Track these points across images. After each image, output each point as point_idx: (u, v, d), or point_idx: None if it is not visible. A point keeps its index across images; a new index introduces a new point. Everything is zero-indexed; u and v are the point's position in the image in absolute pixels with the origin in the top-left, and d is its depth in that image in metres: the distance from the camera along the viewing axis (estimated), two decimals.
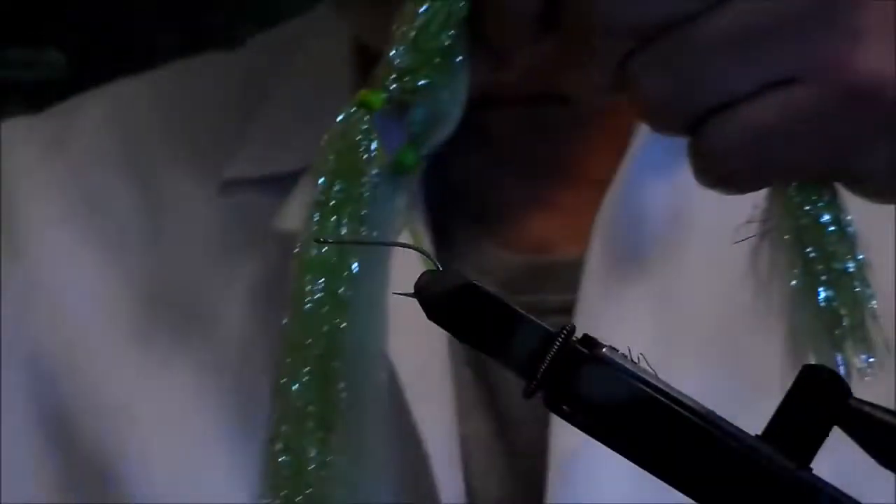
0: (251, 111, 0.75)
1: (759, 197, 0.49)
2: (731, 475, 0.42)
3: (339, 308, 0.46)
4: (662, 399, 0.42)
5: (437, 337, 0.66)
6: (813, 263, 0.47)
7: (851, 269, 0.47)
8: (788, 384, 0.43)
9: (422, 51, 0.47)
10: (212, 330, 0.71)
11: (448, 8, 0.47)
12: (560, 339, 0.42)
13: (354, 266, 0.46)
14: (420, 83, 0.47)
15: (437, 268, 0.45)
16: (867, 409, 0.42)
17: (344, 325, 0.46)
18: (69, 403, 0.71)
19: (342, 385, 0.45)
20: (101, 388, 0.71)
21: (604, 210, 0.68)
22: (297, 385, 0.45)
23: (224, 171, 0.73)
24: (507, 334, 0.43)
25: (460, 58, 0.47)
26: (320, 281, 0.46)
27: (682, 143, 0.70)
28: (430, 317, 0.44)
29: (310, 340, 0.46)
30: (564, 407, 0.42)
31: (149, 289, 0.72)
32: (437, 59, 0.47)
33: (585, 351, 0.42)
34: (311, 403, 0.45)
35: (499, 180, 0.70)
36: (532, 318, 0.43)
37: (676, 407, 0.42)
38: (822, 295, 0.47)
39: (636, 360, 0.43)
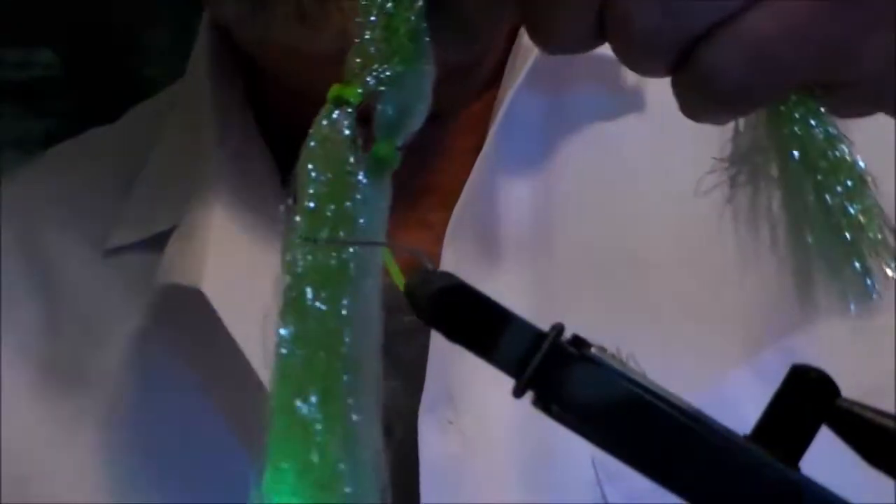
0: (132, 180, 0.79)
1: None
2: (719, 475, 0.42)
3: (343, 320, 0.45)
4: (651, 399, 0.42)
5: None
6: (826, 176, 0.47)
7: (864, 176, 0.47)
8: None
9: (392, 38, 0.46)
10: (96, 385, 0.75)
11: None
12: (549, 339, 0.42)
13: (352, 272, 0.45)
14: (395, 71, 0.46)
15: (429, 268, 0.45)
16: (855, 408, 0.43)
17: (348, 338, 0.45)
18: None
19: (349, 400, 0.44)
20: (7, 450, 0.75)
21: (452, 224, 0.70)
22: (302, 402, 0.44)
23: (108, 241, 0.77)
24: (496, 334, 0.43)
25: (427, 40, 0.46)
26: (322, 293, 0.45)
27: (537, 138, 0.71)
28: (420, 317, 0.44)
29: (315, 355, 0.45)
30: (553, 407, 0.42)
31: (42, 357, 0.77)
32: (408, 45, 0.46)
33: (574, 351, 0.42)
34: (318, 421, 0.44)
35: None
36: (522, 318, 0.43)
37: (665, 407, 0.42)
38: (840, 204, 0.46)
39: (625, 360, 0.43)
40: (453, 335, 0.43)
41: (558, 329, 0.43)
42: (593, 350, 0.43)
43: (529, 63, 0.70)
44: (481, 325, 0.43)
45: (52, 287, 0.78)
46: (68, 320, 0.77)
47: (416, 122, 0.48)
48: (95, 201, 0.79)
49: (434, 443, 0.67)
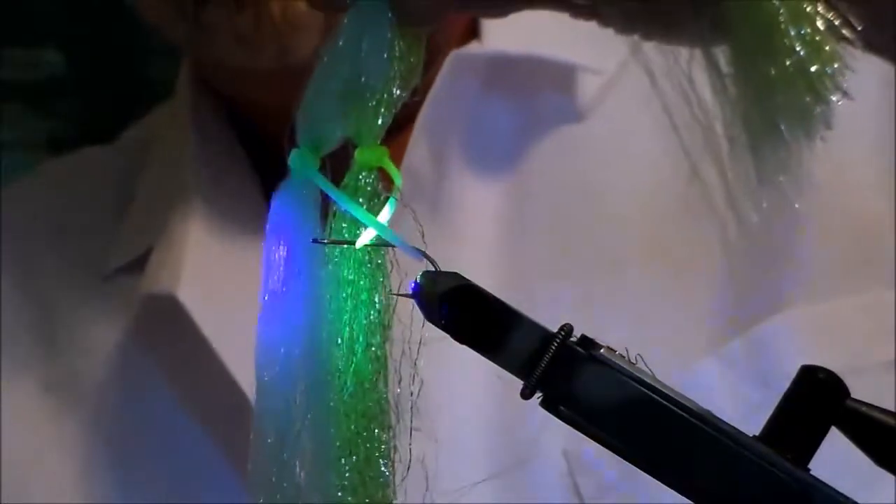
0: (126, 202, 0.81)
1: None
2: (728, 476, 0.42)
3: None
4: (660, 399, 0.42)
5: None
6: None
7: None
8: None
9: None
10: (88, 399, 0.77)
11: None
12: (558, 340, 0.42)
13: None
14: None
15: (436, 269, 0.45)
16: (864, 409, 0.42)
17: None
18: None
19: None
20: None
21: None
22: None
23: (103, 263, 0.79)
24: (504, 335, 0.43)
25: None
26: None
27: (506, 143, 0.73)
28: (428, 318, 0.44)
29: None
30: (562, 407, 0.42)
31: (41, 375, 0.78)
32: None
33: (583, 351, 0.42)
34: None
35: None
36: (530, 318, 0.43)
37: (674, 407, 0.42)
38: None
39: (634, 361, 0.43)
40: (461, 336, 0.43)
41: (567, 330, 0.42)
42: (602, 351, 0.42)
43: (439, 82, 0.72)
44: (489, 325, 0.43)
45: (50, 310, 0.79)
46: (65, 340, 0.78)
47: None
48: (91, 223, 0.81)
49: (404, 442, 0.68)
